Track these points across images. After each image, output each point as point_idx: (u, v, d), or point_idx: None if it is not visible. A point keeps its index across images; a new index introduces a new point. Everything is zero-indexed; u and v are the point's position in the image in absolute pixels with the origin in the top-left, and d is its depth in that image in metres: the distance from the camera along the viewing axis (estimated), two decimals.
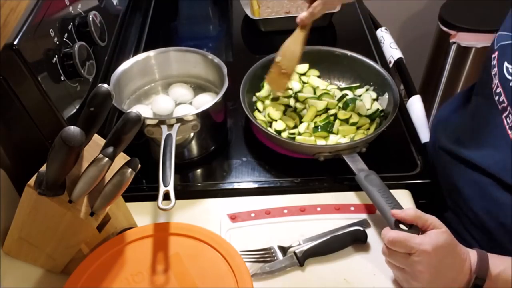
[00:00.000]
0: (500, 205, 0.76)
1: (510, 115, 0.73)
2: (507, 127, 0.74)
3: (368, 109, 0.99)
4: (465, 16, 1.78)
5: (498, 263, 0.69)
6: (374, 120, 0.98)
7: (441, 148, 0.92)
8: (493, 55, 0.78)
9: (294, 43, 0.95)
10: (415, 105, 1.08)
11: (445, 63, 1.87)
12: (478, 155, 0.80)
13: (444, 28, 1.80)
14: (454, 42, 1.79)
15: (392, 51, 1.21)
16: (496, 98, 0.76)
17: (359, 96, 1.02)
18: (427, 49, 1.97)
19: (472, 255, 0.70)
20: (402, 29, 2.07)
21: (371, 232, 0.81)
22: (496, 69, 0.77)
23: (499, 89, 0.75)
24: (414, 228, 0.71)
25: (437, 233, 0.68)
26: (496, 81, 0.77)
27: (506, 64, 0.74)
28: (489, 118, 0.78)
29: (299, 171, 0.92)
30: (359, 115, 0.98)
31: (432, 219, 0.70)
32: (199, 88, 1.04)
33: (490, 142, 0.78)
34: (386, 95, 1.00)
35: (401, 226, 0.73)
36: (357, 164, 0.87)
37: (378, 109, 0.98)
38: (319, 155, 0.90)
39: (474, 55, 1.78)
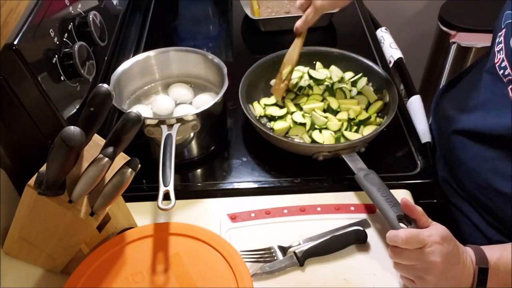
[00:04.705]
0: (501, 175, 0.80)
1: None
2: None
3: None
4: (465, 16, 1.78)
5: (493, 252, 0.71)
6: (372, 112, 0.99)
7: (447, 120, 0.94)
8: (499, 33, 0.83)
9: (292, 50, 1.00)
10: (415, 105, 1.08)
11: (445, 63, 1.86)
12: (482, 123, 0.84)
13: (444, 28, 1.80)
14: (454, 42, 1.79)
15: (392, 51, 1.21)
16: (501, 72, 0.80)
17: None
18: (427, 49, 1.97)
19: (468, 249, 0.72)
20: (402, 29, 2.07)
21: (371, 232, 0.81)
22: (502, 45, 0.81)
23: (505, 63, 0.79)
24: (414, 224, 0.72)
25: (439, 226, 0.71)
26: (501, 56, 0.80)
27: None
28: (494, 90, 0.82)
29: (299, 171, 0.92)
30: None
31: (430, 219, 0.73)
32: (199, 88, 1.04)
33: (495, 111, 0.82)
34: (386, 95, 1.00)
35: (401, 224, 0.73)
36: (356, 164, 0.87)
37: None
38: (318, 154, 0.90)
39: (474, 55, 1.78)
